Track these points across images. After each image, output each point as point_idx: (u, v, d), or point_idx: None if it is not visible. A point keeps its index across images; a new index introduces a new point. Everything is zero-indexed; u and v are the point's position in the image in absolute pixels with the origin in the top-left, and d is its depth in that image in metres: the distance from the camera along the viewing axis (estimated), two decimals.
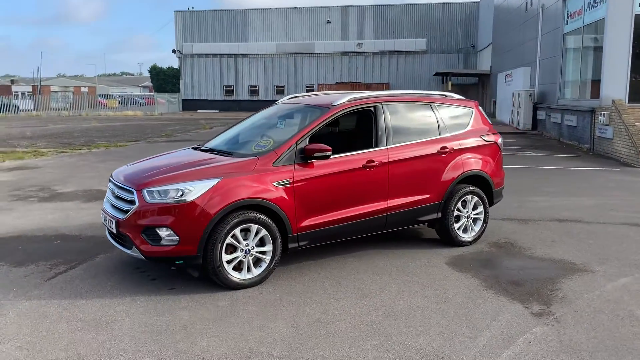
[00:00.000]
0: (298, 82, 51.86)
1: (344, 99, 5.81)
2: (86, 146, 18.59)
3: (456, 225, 6.31)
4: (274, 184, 5.02)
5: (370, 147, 5.76)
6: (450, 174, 6.17)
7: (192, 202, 4.71)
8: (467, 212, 6.37)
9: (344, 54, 51.43)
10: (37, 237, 6.80)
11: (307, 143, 5.30)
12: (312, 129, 5.41)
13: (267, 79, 52.47)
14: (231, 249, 4.90)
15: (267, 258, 5.07)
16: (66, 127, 29.44)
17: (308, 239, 5.33)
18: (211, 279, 4.93)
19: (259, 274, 5.03)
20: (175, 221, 4.71)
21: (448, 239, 6.33)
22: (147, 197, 4.77)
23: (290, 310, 4.52)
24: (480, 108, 6.83)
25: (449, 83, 42.43)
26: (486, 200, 6.50)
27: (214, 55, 52.71)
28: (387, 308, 4.58)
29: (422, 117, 6.24)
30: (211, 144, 6.05)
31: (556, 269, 5.61)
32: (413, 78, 50.52)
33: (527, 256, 6.06)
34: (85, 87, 77.90)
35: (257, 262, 5.07)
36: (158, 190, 4.75)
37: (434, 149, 6.07)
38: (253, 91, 52.63)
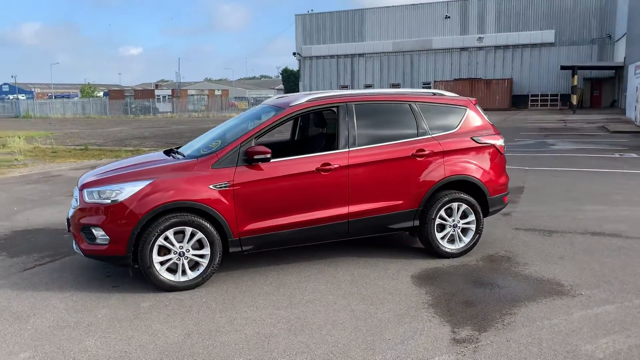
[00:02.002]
0: (414, 79, 50.86)
1: (303, 99, 5.58)
2: None
3: (439, 235, 5.76)
4: (210, 186, 4.96)
5: (331, 149, 5.46)
6: (428, 178, 5.64)
7: (121, 203, 4.82)
8: (454, 220, 5.79)
9: (463, 49, 49.45)
10: (57, 230, 7.39)
11: (253, 145, 5.17)
12: (260, 130, 5.26)
13: (382, 77, 52.13)
14: (165, 250, 4.94)
15: (205, 262, 5.03)
16: (185, 128, 31.71)
17: (253, 243, 5.20)
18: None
19: (195, 277, 5.01)
20: (105, 221, 4.85)
21: (431, 250, 5.81)
22: (86, 197, 4.97)
23: (199, 316, 4.45)
24: (478, 107, 6.16)
25: (575, 77, 38.81)
26: (478, 208, 5.85)
27: (331, 56, 53.52)
28: (297, 321, 4.32)
29: (398, 117, 5.78)
30: (183, 147, 6.14)
31: (532, 290, 4.89)
32: (539, 73, 47.14)
33: (512, 273, 5.36)
34: (219, 90, 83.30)
35: (195, 265, 5.05)
36: (96, 191, 4.93)
37: (407, 151, 5.59)
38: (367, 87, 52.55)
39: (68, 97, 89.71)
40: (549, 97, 47.33)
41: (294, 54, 54.91)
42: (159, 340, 4.03)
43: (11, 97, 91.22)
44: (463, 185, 5.86)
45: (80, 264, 5.80)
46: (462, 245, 5.85)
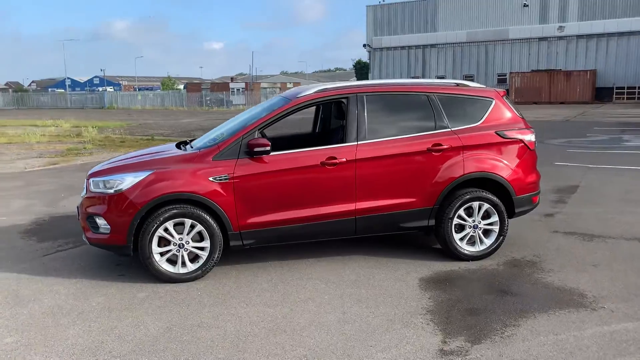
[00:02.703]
0: (489, 71, 48.99)
1: (312, 90, 5.38)
2: None
3: (457, 236, 5.39)
4: (210, 178, 4.88)
5: (339, 142, 5.24)
6: (445, 175, 5.28)
7: (122, 194, 4.84)
8: (474, 221, 5.40)
9: (542, 39, 47.00)
10: None
11: (257, 137, 5.04)
12: (263, 122, 5.13)
13: (455, 69, 50.59)
14: (165, 242, 4.92)
15: (205, 254, 4.97)
16: None
17: (254, 237, 5.08)
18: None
19: (194, 270, 4.97)
20: (107, 211, 4.90)
21: (448, 252, 5.45)
22: (92, 186, 5.04)
23: (188, 310, 4.38)
24: (506, 99, 5.70)
25: None
26: (502, 208, 5.42)
27: (402, 48, 52.55)
28: (282, 321, 4.16)
29: (414, 110, 5.45)
30: (197, 139, 6.11)
31: (547, 301, 4.45)
32: (626, 63, 44.00)
33: (531, 280, 4.92)
34: (291, 83, 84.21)
35: (195, 257, 5.01)
36: (102, 180, 4.98)
37: (422, 146, 5.26)
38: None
39: (151, 89, 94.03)
40: (636, 90, 44.06)
41: (364, 45, 54.40)
42: (139, 332, 4.00)
43: (100, 89, 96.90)
44: (486, 183, 5.44)
45: (95, 252, 5.92)
46: (482, 247, 5.45)
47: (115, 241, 4.89)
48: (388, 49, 53.43)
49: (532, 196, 5.61)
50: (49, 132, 23.63)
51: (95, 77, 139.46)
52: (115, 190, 4.86)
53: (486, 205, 5.39)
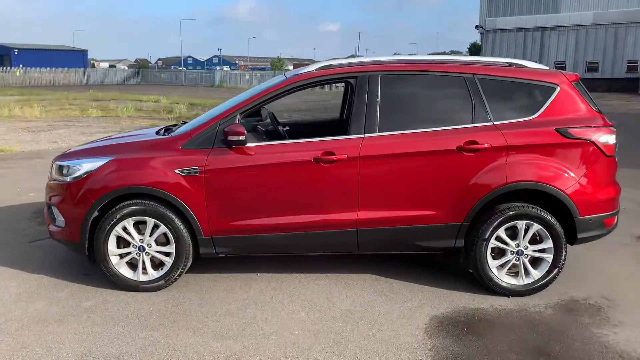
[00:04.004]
0: (617, 57, 43.88)
1: (314, 66, 4.31)
2: None
3: (494, 263, 4.12)
4: (177, 170, 4.02)
5: (341, 134, 4.15)
6: (481, 183, 4.01)
7: (76, 183, 4.13)
8: (518, 245, 4.09)
9: None
10: None
11: (237, 122, 4.10)
12: (248, 104, 4.16)
13: (577, 54, 45.91)
14: (126, 243, 4.16)
15: (170, 261, 4.15)
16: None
17: (230, 245, 4.17)
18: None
19: (157, 278, 4.17)
20: (61, 201, 4.23)
21: (482, 282, 4.19)
22: (53, 172, 4.39)
23: (121, 332, 3.58)
24: (578, 86, 4.24)
25: None
26: (560, 231, 4.05)
27: (518, 30, 48.61)
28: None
29: (445, 96, 4.19)
30: (189, 122, 5.25)
31: None
32: None
33: (586, 338, 3.55)
34: None
35: (161, 264, 4.20)
36: (61, 166, 4.30)
37: (451, 143, 4.01)
38: (559, 68, 46.75)
39: (263, 69, 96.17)
40: None
41: (477, 27, 51.11)
42: (48, 356, 3.26)
43: (218, 68, 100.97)
44: (537, 197, 4.09)
45: None
46: (528, 281, 4.13)
47: (69, 237, 4.21)
48: (502, 31, 49.67)
49: (604, 218, 4.15)
50: (147, 107, 24.33)
51: (214, 56, 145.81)
52: (71, 179, 4.16)
53: (536, 226, 4.04)
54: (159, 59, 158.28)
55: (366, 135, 4.04)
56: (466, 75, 4.15)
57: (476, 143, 4.00)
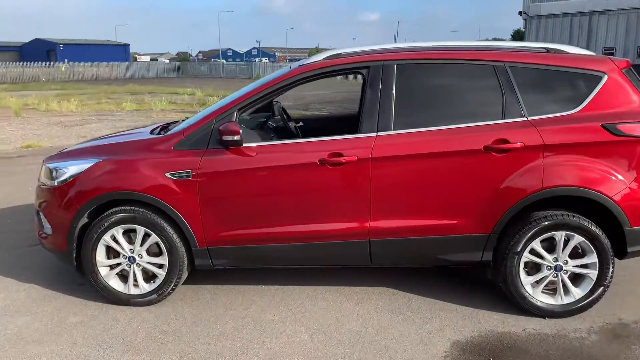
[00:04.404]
0: None
1: (321, 56, 3.83)
2: None
3: (527, 279, 3.58)
4: (167, 174, 3.62)
5: (352, 132, 3.66)
6: (513, 187, 3.47)
7: (61, 187, 3.79)
8: (556, 260, 3.53)
9: None
10: None
11: (234, 120, 3.67)
12: (245, 99, 3.72)
13: (628, 39, 43.54)
14: (115, 252, 3.80)
15: (163, 273, 3.77)
16: None
17: (227, 256, 3.76)
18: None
19: (149, 292, 3.80)
20: (47, 207, 3.90)
21: (513, 301, 3.66)
22: (42, 175, 4.06)
23: (95, 355, 3.22)
24: (630, 74, 3.62)
25: None
26: (606, 244, 3.47)
27: (564, 15, 46.47)
28: None
29: (471, 87, 3.65)
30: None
31: None
32: None
33: None
34: None
35: (153, 276, 3.83)
36: (49, 168, 3.97)
37: (477, 142, 3.47)
38: (607, 54, 44.54)
39: (298, 60, 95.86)
40: None
41: (520, 13, 49.23)
42: None
43: (257, 60, 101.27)
44: (579, 204, 3.52)
45: None
46: (568, 300, 3.57)
47: (57, 245, 3.88)
48: (547, 16, 47.61)
49: None
50: (181, 100, 24.27)
51: (253, 48, 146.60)
52: (58, 182, 3.82)
53: (578, 238, 3.47)
54: (199, 52, 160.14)
55: (379, 133, 3.54)
56: (496, 63, 3.59)
57: (507, 142, 3.45)
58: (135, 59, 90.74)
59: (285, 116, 4.83)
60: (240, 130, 3.49)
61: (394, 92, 3.58)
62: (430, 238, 3.58)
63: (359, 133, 3.58)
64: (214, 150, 3.62)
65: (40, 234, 4.05)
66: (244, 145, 3.60)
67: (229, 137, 3.49)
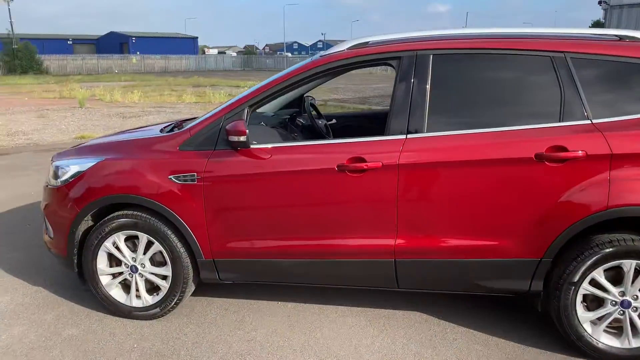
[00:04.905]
0: None
1: (344, 45, 3.33)
2: None
3: (586, 316, 2.97)
4: (171, 177, 3.26)
5: (377, 134, 3.16)
6: (572, 204, 2.86)
7: (62, 188, 3.51)
8: (625, 294, 2.90)
9: None
10: None
11: (244, 118, 3.25)
12: (257, 95, 3.28)
13: None
14: (117, 260, 3.49)
15: (166, 285, 3.43)
16: None
17: (236, 270, 3.37)
18: None
19: (152, 305, 3.47)
20: (48, 208, 3.63)
21: (569, 341, 3.05)
22: (50, 172, 3.80)
23: None
24: None
25: None
26: None
27: None
28: None
29: (523, 82, 3.04)
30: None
31: None
32: None
33: None
34: None
35: (157, 288, 3.50)
36: (56, 166, 3.70)
37: (529, 148, 2.88)
38: None
39: None
40: None
41: (600, 2, 46.25)
42: None
43: (321, 52, 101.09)
44: None
45: None
46: (638, 344, 2.92)
47: (58, 250, 3.61)
48: (630, 6, 44.49)
49: None
50: (241, 92, 24.28)
51: (319, 41, 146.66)
52: (61, 182, 3.54)
53: None
54: (266, 45, 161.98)
55: (409, 136, 3.02)
56: (554, 54, 2.97)
57: (565, 149, 2.84)
58: (204, 52, 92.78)
59: (314, 113, 4.37)
60: (247, 130, 3.06)
61: (428, 87, 3.04)
62: (467, 261, 3.03)
63: (386, 135, 3.07)
64: (222, 152, 3.22)
65: (45, 236, 3.80)
66: (255, 146, 3.18)
67: (235, 138, 3.07)
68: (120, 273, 3.49)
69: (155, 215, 3.31)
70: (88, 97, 20.79)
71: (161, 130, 3.74)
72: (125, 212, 3.36)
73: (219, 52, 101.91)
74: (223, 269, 3.35)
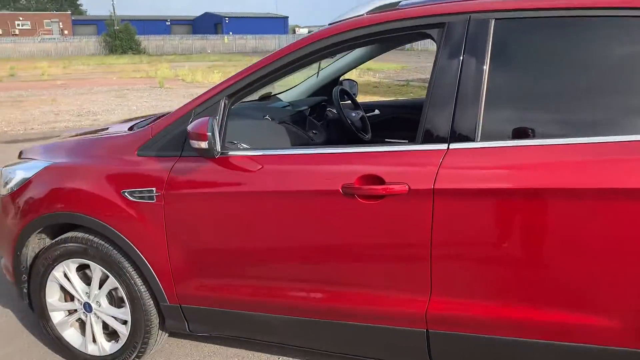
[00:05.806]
0: None
1: (366, 8, 2.27)
2: None
3: None
4: (124, 192, 2.39)
5: (412, 141, 2.10)
6: None
7: (6, 198, 2.77)
8: None
9: None
10: None
11: (221, 112, 2.31)
12: (238, 81, 2.31)
13: None
14: (70, 294, 2.72)
15: (126, 333, 2.60)
16: None
17: (209, 322, 2.47)
18: None
19: (110, 355, 2.67)
20: None
21: None
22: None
23: None
24: None
25: None
26: None
27: None
28: None
29: (624, 67, 1.84)
30: None
31: None
32: None
33: None
34: None
35: (115, 332, 2.69)
36: (3, 170, 2.96)
37: None
38: None
39: None
40: None
41: None
42: None
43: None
44: None
45: None
46: None
47: (8, 274, 2.90)
48: None
49: None
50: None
51: None
52: (6, 191, 2.79)
53: None
54: None
55: (453, 145, 1.94)
56: None
57: None
58: (294, 32, 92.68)
59: (350, 100, 3.36)
60: (210, 134, 2.10)
61: (486, 69, 1.93)
62: (541, 344, 1.93)
63: (417, 143, 2.00)
64: (190, 159, 2.31)
65: None
66: (233, 153, 2.23)
67: (196, 144, 2.13)
68: (75, 310, 2.70)
69: (108, 241, 2.48)
70: (172, 77, 20.82)
71: (130, 128, 2.86)
72: (76, 234, 2.56)
73: (309, 31, 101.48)
74: (192, 318, 2.47)
